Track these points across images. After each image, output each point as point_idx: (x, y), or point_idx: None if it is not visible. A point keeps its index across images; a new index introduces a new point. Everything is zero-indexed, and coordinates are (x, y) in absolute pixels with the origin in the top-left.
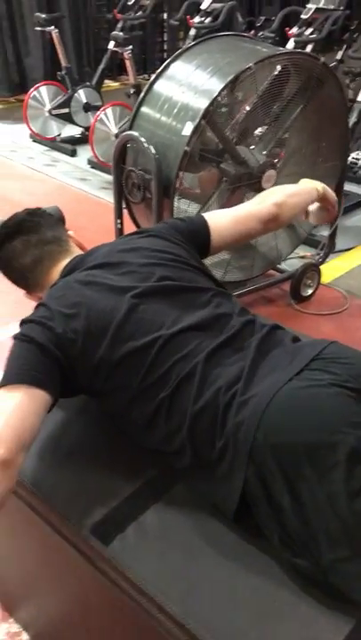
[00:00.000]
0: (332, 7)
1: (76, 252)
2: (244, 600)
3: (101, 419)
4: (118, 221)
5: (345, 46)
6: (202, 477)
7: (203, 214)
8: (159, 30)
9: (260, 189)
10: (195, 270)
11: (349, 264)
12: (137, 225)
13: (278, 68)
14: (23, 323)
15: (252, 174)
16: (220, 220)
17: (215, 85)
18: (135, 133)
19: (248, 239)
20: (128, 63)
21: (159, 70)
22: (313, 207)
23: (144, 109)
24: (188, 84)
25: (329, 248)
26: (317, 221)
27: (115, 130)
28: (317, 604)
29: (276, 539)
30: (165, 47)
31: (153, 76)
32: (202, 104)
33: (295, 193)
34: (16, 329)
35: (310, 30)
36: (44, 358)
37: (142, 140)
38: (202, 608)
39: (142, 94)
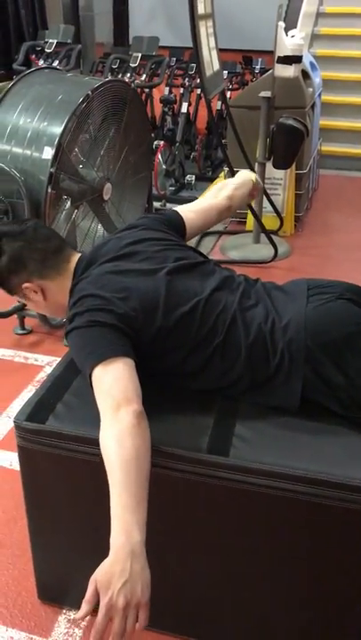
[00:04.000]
0: (69, 41)
1: None
2: (336, 451)
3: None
4: None
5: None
6: (260, 393)
7: (174, 209)
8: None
9: (101, 202)
10: (190, 249)
11: None
12: None
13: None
14: (77, 314)
15: (94, 188)
16: (190, 213)
17: (63, 112)
18: None
19: (209, 227)
20: None
21: None
22: None
23: None
24: (31, 116)
25: None
26: (242, 204)
27: None
28: None
29: (337, 407)
30: None
31: None
32: (55, 129)
33: (240, 185)
34: None
35: (57, 62)
36: (119, 334)
37: (2, 165)
38: (324, 466)
39: None
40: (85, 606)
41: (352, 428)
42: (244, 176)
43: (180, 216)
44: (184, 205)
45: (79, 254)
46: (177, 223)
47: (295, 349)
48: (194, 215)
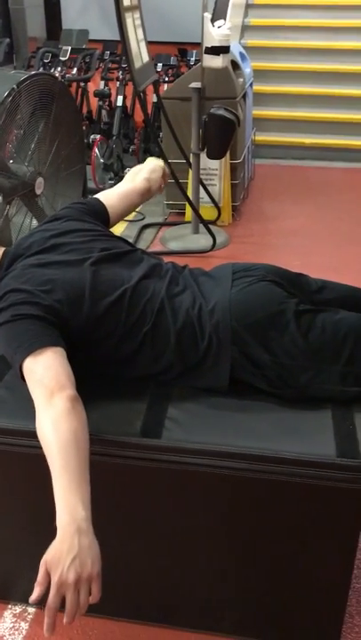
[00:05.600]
0: None
1: None
2: (265, 427)
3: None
4: None
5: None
6: (191, 376)
7: (95, 196)
8: None
9: (34, 197)
10: (116, 239)
11: None
12: None
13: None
14: (2, 310)
15: (25, 183)
16: (112, 199)
17: None
18: None
19: (131, 211)
20: None
21: None
22: None
23: None
24: None
25: None
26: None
27: None
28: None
29: (264, 385)
30: None
31: None
32: None
33: (152, 170)
34: None
35: None
36: (45, 324)
37: None
38: (254, 441)
39: None
40: (38, 588)
41: (281, 404)
42: (154, 162)
43: (103, 203)
44: (105, 192)
45: (3, 249)
46: (100, 211)
47: (222, 332)
48: (115, 201)
